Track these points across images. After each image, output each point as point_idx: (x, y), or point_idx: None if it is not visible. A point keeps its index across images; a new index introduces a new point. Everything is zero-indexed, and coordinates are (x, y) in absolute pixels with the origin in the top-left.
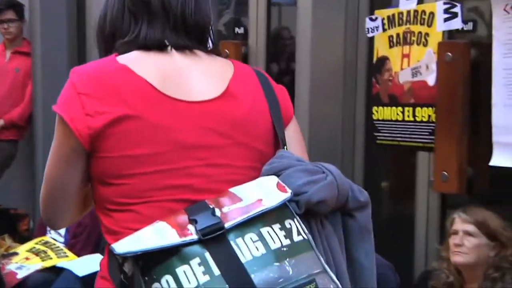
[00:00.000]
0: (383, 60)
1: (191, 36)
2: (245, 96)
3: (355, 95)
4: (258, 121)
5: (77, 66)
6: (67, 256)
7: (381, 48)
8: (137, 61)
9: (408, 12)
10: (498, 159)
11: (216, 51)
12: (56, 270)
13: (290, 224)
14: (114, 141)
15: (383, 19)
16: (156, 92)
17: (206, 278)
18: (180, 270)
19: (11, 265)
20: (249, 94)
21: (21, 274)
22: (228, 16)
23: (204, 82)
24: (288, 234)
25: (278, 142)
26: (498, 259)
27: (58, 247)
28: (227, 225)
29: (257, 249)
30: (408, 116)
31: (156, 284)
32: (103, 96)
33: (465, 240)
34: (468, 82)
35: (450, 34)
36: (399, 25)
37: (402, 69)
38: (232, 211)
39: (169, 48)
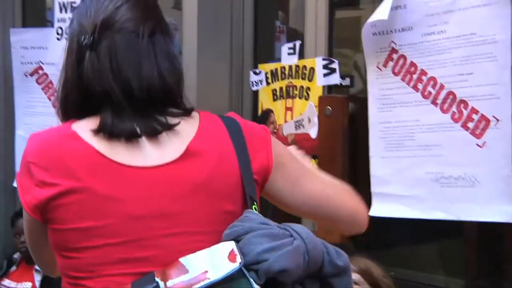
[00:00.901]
0: (268, 112)
1: (157, 107)
2: (208, 154)
3: None
4: (225, 179)
5: (34, 133)
6: None
7: (265, 101)
8: (90, 125)
9: (290, 66)
10: (377, 209)
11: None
12: None
13: None
14: (62, 213)
15: (266, 73)
16: (104, 160)
17: None
18: None
19: None
20: (214, 151)
21: None
22: None
23: (159, 145)
24: None
25: (247, 197)
26: None
27: None
28: None
29: None
30: None
31: None
32: (50, 167)
33: None
34: (347, 135)
35: (330, 88)
36: (282, 79)
37: (286, 121)
38: (176, 285)
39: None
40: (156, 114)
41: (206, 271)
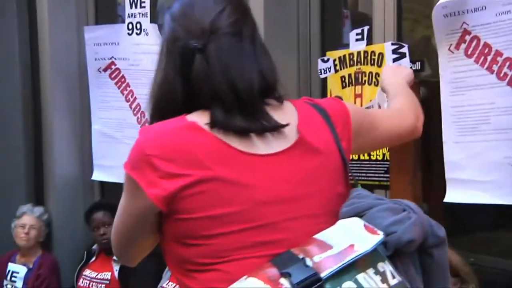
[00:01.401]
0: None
1: (259, 102)
2: (315, 140)
3: None
4: (333, 164)
5: (146, 126)
6: None
7: (334, 88)
8: (204, 118)
9: (359, 53)
10: (452, 195)
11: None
12: None
13: (383, 267)
14: (192, 203)
15: (334, 60)
16: (227, 148)
17: None
18: None
19: None
20: (319, 137)
21: None
22: None
23: (269, 138)
24: (384, 278)
25: (349, 178)
26: None
27: None
28: (323, 275)
29: None
30: (364, 156)
31: None
32: (175, 158)
33: None
34: None
35: None
36: (350, 65)
37: None
38: (324, 260)
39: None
40: (260, 111)
41: (353, 245)
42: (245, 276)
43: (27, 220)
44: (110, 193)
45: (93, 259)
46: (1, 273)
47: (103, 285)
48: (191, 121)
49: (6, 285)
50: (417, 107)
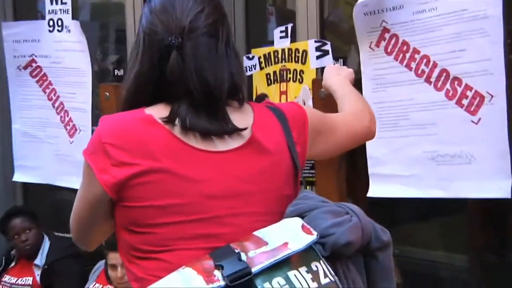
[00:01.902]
0: (262, 97)
1: (223, 102)
2: (267, 141)
3: None
4: (282, 166)
5: (106, 115)
6: None
7: (259, 86)
8: (162, 112)
9: (283, 50)
10: (375, 190)
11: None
12: None
13: (316, 266)
14: (139, 192)
15: (259, 58)
16: (180, 143)
17: None
18: None
19: None
20: (272, 139)
21: None
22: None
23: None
24: (315, 277)
25: (298, 181)
26: None
27: None
28: (254, 269)
29: None
30: None
31: None
32: (128, 148)
33: None
34: None
35: (323, 71)
36: (276, 63)
37: None
38: (258, 255)
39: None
40: (222, 112)
41: (287, 243)
42: (183, 266)
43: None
44: (33, 195)
45: (12, 264)
46: None
47: None
48: (148, 114)
49: None
50: (370, 109)
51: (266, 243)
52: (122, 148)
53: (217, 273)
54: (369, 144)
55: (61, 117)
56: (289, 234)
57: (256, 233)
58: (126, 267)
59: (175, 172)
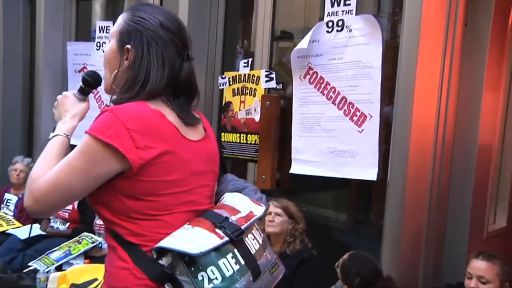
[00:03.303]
0: (229, 103)
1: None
2: (211, 135)
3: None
4: (217, 152)
5: (115, 106)
6: (14, 224)
7: (227, 96)
8: (164, 110)
9: (245, 74)
10: (295, 169)
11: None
12: (6, 235)
13: (257, 227)
14: (155, 169)
15: (229, 78)
16: (179, 134)
17: (237, 266)
18: (221, 262)
19: None
20: (212, 134)
21: None
22: None
23: (195, 129)
24: (261, 234)
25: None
26: (293, 230)
27: (8, 218)
28: (242, 227)
29: (255, 245)
30: (243, 140)
31: (202, 273)
32: (150, 134)
33: (275, 218)
34: (279, 120)
35: (269, 90)
36: (239, 82)
37: (240, 110)
38: (239, 219)
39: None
40: (191, 110)
41: (252, 211)
42: (189, 226)
43: (19, 166)
44: None
45: None
46: (0, 199)
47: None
48: (155, 109)
49: (2, 207)
50: None
51: (239, 211)
52: (144, 134)
53: (219, 231)
54: (294, 140)
55: (98, 105)
56: (249, 205)
57: (227, 204)
58: (116, 224)
59: (178, 154)
